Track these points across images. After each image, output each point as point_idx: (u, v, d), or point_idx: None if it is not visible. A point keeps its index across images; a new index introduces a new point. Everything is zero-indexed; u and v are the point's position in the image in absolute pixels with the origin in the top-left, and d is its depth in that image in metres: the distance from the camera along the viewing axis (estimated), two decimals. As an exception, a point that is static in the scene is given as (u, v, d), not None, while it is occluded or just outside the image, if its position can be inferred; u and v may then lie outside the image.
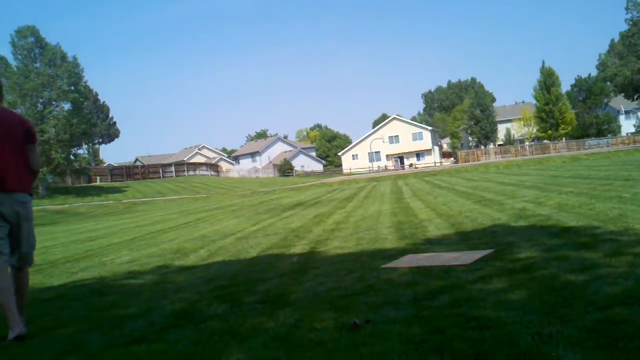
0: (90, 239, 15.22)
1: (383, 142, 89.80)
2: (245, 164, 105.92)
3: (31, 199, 4.75)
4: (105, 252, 11.15)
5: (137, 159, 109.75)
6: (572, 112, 76.95)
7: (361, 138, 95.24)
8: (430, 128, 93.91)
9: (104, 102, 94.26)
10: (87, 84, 62.34)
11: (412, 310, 3.86)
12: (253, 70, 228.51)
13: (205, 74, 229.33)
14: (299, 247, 8.31)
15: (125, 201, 46.20)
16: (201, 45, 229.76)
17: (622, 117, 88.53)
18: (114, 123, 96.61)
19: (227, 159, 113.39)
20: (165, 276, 7.04)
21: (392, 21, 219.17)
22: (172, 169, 77.04)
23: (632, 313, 3.21)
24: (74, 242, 14.80)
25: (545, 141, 75.40)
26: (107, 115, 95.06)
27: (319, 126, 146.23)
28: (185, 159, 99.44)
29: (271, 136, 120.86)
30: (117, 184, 63.94)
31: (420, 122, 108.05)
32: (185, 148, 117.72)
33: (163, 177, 73.40)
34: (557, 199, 10.88)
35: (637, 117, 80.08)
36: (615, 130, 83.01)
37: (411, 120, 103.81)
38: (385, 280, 5.02)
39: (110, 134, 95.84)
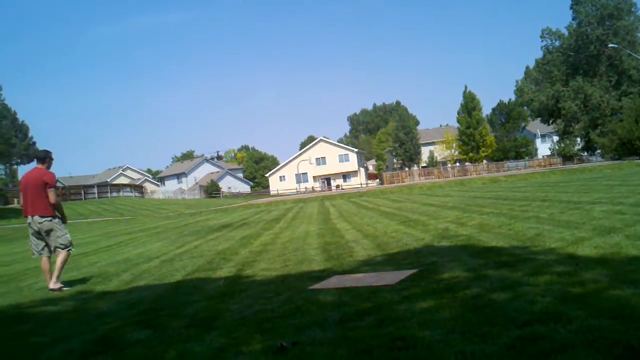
0: (6, 264, 14.53)
1: (310, 163, 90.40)
2: (171, 185, 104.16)
3: (47, 219, 8.16)
4: (23, 277, 10.66)
5: (57, 180, 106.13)
6: (491, 135, 79.90)
7: (288, 159, 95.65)
8: (356, 150, 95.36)
9: (23, 121, 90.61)
10: (5, 102, 59.95)
11: (339, 331, 3.87)
12: (179, 90, 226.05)
13: (129, 93, 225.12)
14: (226, 270, 8.20)
15: (43, 224, 44.39)
16: (124, 64, 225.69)
17: (538, 141, 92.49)
18: (34, 143, 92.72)
19: (152, 180, 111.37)
20: (86, 301, 6.80)
21: (318, 45, 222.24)
22: (95, 190, 74.84)
23: (550, 330, 3.33)
24: (-13, 267, 14.07)
25: (467, 163, 77.72)
26: (27, 135, 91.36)
27: (246, 147, 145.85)
28: (108, 180, 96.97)
29: (198, 157, 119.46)
30: (35, 205, 61.33)
31: (347, 144, 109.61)
32: (109, 169, 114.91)
33: (85, 198, 71.17)
34: (478, 219, 11.18)
35: (552, 141, 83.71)
36: (532, 153, 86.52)
37: (338, 142, 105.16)
38: (312, 302, 5.02)
39: (30, 154, 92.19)
